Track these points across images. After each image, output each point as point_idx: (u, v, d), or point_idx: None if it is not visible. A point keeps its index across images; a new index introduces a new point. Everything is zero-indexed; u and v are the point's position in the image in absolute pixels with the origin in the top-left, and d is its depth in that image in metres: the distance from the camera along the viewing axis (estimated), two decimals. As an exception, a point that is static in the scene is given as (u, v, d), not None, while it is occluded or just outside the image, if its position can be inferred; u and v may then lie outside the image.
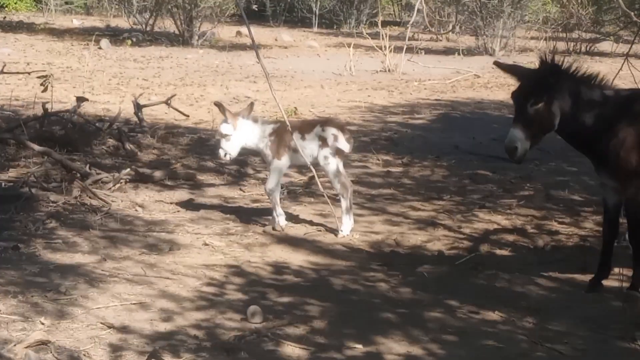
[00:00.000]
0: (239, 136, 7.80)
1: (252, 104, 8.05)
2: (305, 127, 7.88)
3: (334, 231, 7.81)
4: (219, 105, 7.93)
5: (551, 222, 8.26)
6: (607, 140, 6.18)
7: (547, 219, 8.35)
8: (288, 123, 7.76)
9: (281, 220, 7.90)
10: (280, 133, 7.81)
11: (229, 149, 7.82)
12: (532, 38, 24.63)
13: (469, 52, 22.95)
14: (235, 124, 7.77)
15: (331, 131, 7.71)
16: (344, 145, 7.74)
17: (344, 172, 7.89)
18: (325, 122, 7.92)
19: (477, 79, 18.03)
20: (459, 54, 22.30)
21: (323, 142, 7.70)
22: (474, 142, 11.72)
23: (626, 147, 6.14)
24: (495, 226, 8.12)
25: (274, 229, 7.78)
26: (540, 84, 6.17)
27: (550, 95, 6.15)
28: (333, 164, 7.73)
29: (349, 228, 7.77)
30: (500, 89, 16.75)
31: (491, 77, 18.30)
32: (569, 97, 6.19)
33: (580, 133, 6.27)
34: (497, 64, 6.75)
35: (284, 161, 7.85)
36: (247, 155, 10.43)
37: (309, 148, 7.74)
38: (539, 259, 7.23)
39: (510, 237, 7.78)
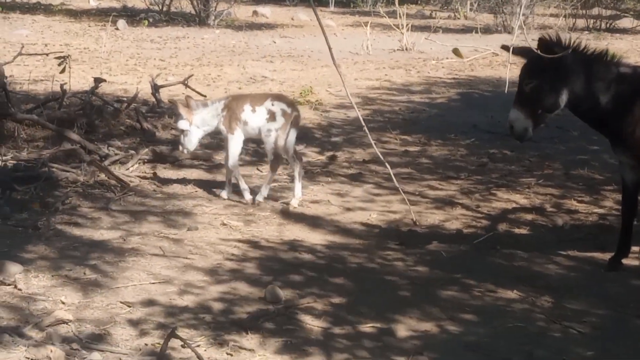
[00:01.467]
0: (196, 129, 8.02)
1: (187, 98, 8.15)
2: (255, 100, 8.02)
3: (352, 209, 7.84)
4: (172, 102, 8.18)
5: (570, 200, 8.25)
6: (623, 118, 6.15)
7: (566, 197, 8.33)
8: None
9: (246, 194, 8.00)
10: (232, 107, 7.95)
11: (187, 144, 8.06)
12: (551, 15, 24.48)
13: (487, 30, 22.82)
14: (191, 118, 7.96)
15: (280, 106, 7.85)
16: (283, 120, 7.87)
17: (292, 147, 7.97)
18: (276, 97, 8.10)
19: (496, 57, 17.92)
20: (477, 32, 22.17)
21: (271, 116, 7.83)
22: (493, 120, 11.67)
23: None
24: (514, 205, 8.11)
25: (253, 202, 7.92)
26: (536, 64, 6.18)
27: (546, 74, 6.14)
28: (273, 137, 7.85)
29: (263, 197, 7.96)
30: (519, 67, 16.64)
31: (509, 55, 18.20)
32: (578, 76, 6.16)
33: (594, 111, 6.24)
34: (505, 47, 6.70)
35: (237, 135, 7.97)
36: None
37: (257, 121, 7.91)
38: (557, 237, 7.22)
39: (529, 216, 7.77)
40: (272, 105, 7.89)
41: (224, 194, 8.04)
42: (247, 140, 8.38)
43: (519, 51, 6.42)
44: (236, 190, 8.03)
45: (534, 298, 5.95)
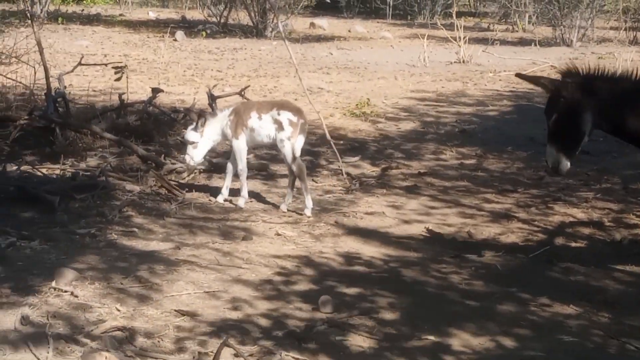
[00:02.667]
0: (206, 142, 8.11)
1: (202, 112, 8.28)
2: (262, 108, 8.06)
3: (409, 222, 7.80)
4: (192, 112, 8.32)
5: (629, 215, 8.12)
6: None
7: (625, 212, 8.20)
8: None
9: (241, 201, 8.09)
10: (239, 113, 7.99)
11: (195, 155, 8.14)
12: (611, 28, 24.21)
13: (546, 42, 22.63)
14: (203, 131, 8.04)
15: (287, 115, 7.85)
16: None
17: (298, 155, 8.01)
18: (281, 105, 8.11)
19: (554, 69, 17.76)
20: (535, 44, 21.99)
21: (279, 125, 7.85)
22: (550, 134, 11.53)
23: None
24: (571, 219, 8.01)
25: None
26: (552, 98, 6.29)
27: (563, 107, 6.21)
28: (288, 147, 7.86)
29: (310, 209, 7.96)
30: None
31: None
32: (598, 100, 6.17)
33: (627, 130, 6.26)
34: (519, 75, 6.82)
35: (241, 140, 8.02)
36: (319, 147, 10.46)
37: (265, 128, 7.94)
38: (615, 252, 7.10)
39: (587, 230, 7.66)
40: (278, 114, 7.90)
41: (283, 206, 8.05)
42: (309, 152, 8.39)
43: (531, 78, 6.63)
44: (297, 198, 8.05)
45: (591, 313, 5.85)
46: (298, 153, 7.99)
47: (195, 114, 8.18)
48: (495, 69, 17.86)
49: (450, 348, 5.30)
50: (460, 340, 5.41)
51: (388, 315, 5.74)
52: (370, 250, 7.09)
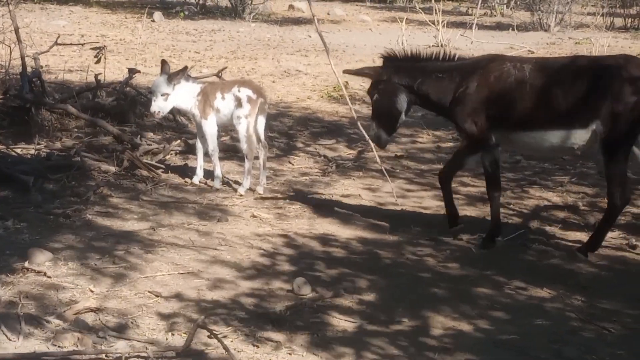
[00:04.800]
0: (175, 97, 7.98)
1: (185, 68, 8.16)
2: (225, 87, 8.07)
3: (384, 204, 7.80)
4: (163, 62, 8.16)
5: (603, 199, 8.12)
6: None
7: (599, 196, 8.22)
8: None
9: (216, 182, 8.10)
10: (206, 94, 7.96)
11: (163, 107, 8.02)
12: (588, 14, 24.23)
13: (524, 27, 22.62)
14: (174, 84, 7.93)
15: (246, 92, 7.84)
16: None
17: (260, 134, 8.03)
18: (242, 83, 8.12)
19: (531, 54, 17.78)
20: (513, 29, 22.00)
21: (238, 102, 7.84)
22: (527, 118, 11.56)
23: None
24: (546, 203, 8.04)
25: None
26: (374, 82, 7.02)
27: (382, 89, 6.97)
28: (244, 124, 7.86)
29: (246, 189, 7.96)
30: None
31: (545, 52, 18.06)
32: (412, 79, 6.89)
33: (438, 105, 6.99)
34: (347, 71, 7.42)
35: (210, 121, 7.99)
36: (296, 129, 10.44)
37: (228, 108, 7.95)
38: (589, 236, 7.12)
39: (561, 214, 7.69)
40: (239, 91, 7.90)
41: (259, 188, 8.00)
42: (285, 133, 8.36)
43: (356, 72, 7.41)
44: (272, 180, 8.02)
45: (565, 297, 5.88)
46: (262, 136, 8.00)
47: (168, 65, 8.07)
48: (473, 53, 17.84)
49: (426, 330, 5.32)
50: (436, 322, 5.43)
51: (365, 297, 5.75)
52: (347, 233, 7.09)
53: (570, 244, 6.94)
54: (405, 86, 6.93)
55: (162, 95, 7.91)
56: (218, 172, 8.10)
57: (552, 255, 6.69)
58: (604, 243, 6.84)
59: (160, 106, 7.96)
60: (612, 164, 6.50)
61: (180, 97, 7.99)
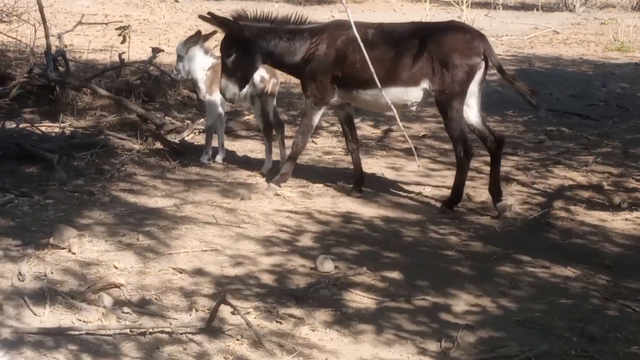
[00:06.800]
0: (188, 62, 8.11)
1: (199, 32, 8.22)
2: None
3: (407, 183, 7.80)
4: (198, 32, 8.24)
5: (629, 179, 8.10)
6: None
7: (624, 176, 8.19)
8: None
9: (204, 158, 8.14)
10: (217, 70, 7.90)
11: (179, 68, 8.20)
12: (614, -6, 24.04)
13: (549, 7, 22.48)
14: (187, 48, 8.06)
15: (260, 72, 7.82)
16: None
17: (273, 111, 8.10)
18: None
19: (556, 35, 17.67)
20: (537, 9, 21.85)
21: (251, 83, 7.81)
22: (551, 98, 11.51)
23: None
24: (571, 182, 7.99)
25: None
26: (229, 39, 7.25)
27: (239, 44, 7.22)
28: (258, 104, 7.94)
29: (268, 168, 7.97)
30: (580, 45, 16.41)
31: (570, 33, 17.94)
32: (266, 40, 7.23)
33: (289, 64, 7.33)
34: (202, 17, 7.48)
35: (214, 98, 8.03)
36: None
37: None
38: (614, 216, 7.10)
39: (586, 194, 7.65)
40: None
41: (264, 168, 7.96)
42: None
43: (214, 20, 7.37)
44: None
45: (589, 276, 5.86)
46: (271, 112, 8.02)
47: (198, 35, 8.18)
48: (497, 33, 17.74)
49: (449, 308, 5.31)
50: (458, 299, 5.42)
51: (387, 275, 5.75)
52: (369, 211, 7.09)
53: (595, 223, 6.91)
54: (259, 45, 7.24)
55: (178, 56, 8.10)
56: (208, 148, 8.16)
57: (576, 234, 6.66)
58: (627, 223, 6.81)
59: (177, 67, 8.17)
60: (447, 120, 7.06)
61: (192, 64, 8.10)
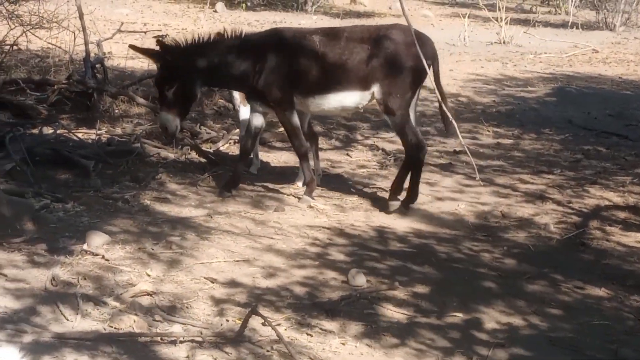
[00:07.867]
0: None
1: None
2: None
3: (441, 199, 7.78)
4: None
5: (665, 201, 8.01)
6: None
7: (661, 198, 8.10)
8: None
9: (253, 168, 8.22)
10: None
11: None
12: (655, 14, 23.83)
13: (589, 26, 22.33)
14: None
15: None
16: None
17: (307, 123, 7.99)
18: None
19: (596, 53, 17.54)
20: (577, 28, 21.72)
21: None
22: (589, 117, 11.42)
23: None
24: (607, 202, 7.91)
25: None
26: (168, 71, 7.12)
27: (175, 74, 7.09)
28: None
29: (302, 180, 7.79)
30: (619, 65, 16.28)
31: (610, 52, 17.80)
32: (206, 62, 7.14)
33: (238, 82, 7.30)
34: (133, 47, 7.48)
35: (247, 110, 7.95)
36: (355, 121, 10.42)
37: None
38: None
39: (622, 214, 7.57)
40: None
41: (298, 181, 7.90)
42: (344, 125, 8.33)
43: (144, 51, 7.44)
44: (327, 172, 8.00)
45: (622, 297, 5.80)
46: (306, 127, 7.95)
47: None
48: (535, 50, 17.65)
49: (480, 325, 5.28)
50: (490, 317, 5.38)
51: (419, 290, 5.72)
52: (403, 225, 7.06)
53: (631, 244, 6.83)
54: (198, 69, 7.16)
55: None
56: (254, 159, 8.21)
57: (611, 255, 6.59)
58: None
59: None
60: (394, 122, 7.22)
61: None
